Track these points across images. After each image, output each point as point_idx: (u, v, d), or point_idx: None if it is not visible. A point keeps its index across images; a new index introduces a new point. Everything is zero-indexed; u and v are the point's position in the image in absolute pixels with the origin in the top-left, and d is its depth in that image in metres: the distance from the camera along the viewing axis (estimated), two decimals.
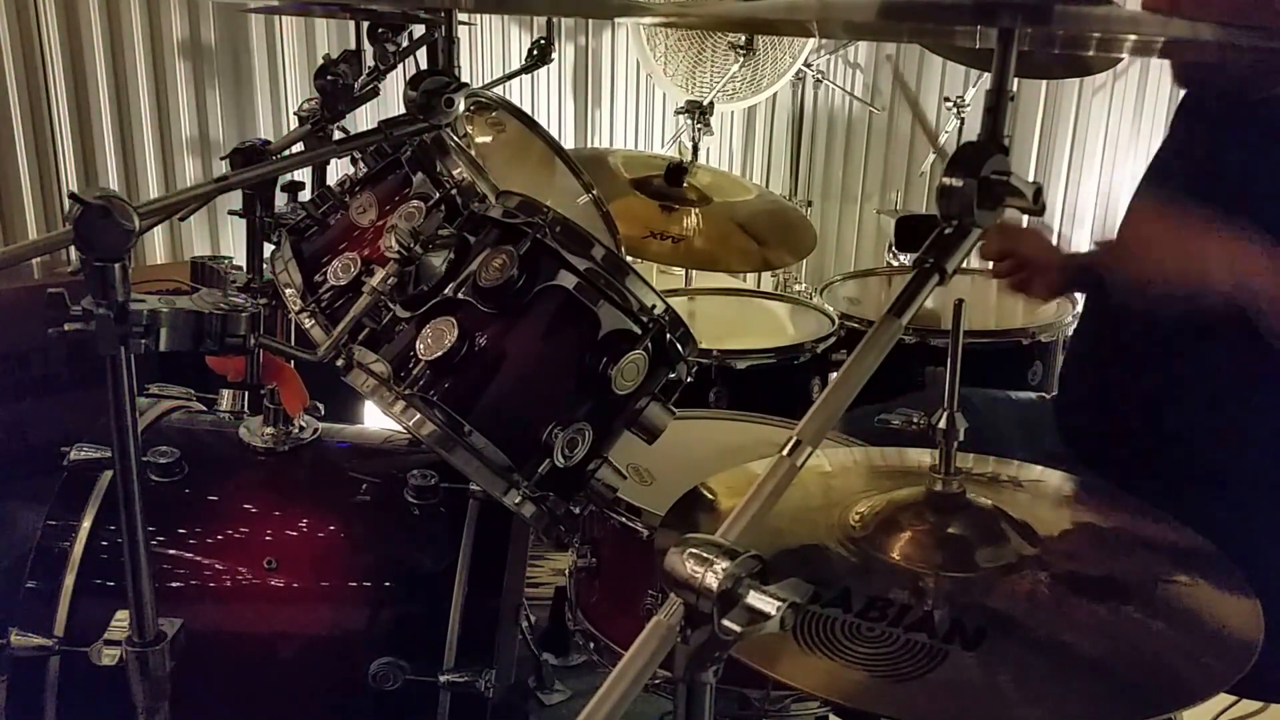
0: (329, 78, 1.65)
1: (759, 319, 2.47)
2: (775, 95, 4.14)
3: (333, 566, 1.47)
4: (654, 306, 1.29)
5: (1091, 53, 1.80)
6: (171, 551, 1.42)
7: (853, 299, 2.50)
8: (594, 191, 2.01)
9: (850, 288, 2.60)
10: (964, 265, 0.87)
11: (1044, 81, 3.51)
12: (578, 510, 1.31)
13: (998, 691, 0.91)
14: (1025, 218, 2.72)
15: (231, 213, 1.61)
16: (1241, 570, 1.07)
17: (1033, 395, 1.98)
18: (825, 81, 4.17)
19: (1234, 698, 1.55)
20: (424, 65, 1.79)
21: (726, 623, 0.67)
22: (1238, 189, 1.42)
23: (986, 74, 0.91)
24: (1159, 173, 1.64)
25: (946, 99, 3.57)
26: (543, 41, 2.47)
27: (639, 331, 1.28)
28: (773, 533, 1.14)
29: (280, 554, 1.43)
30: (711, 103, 2.99)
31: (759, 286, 3.74)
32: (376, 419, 1.85)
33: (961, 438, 1.16)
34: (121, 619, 1.07)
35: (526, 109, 2.33)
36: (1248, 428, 1.47)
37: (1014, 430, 1.78)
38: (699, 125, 2.95)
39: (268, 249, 1.57)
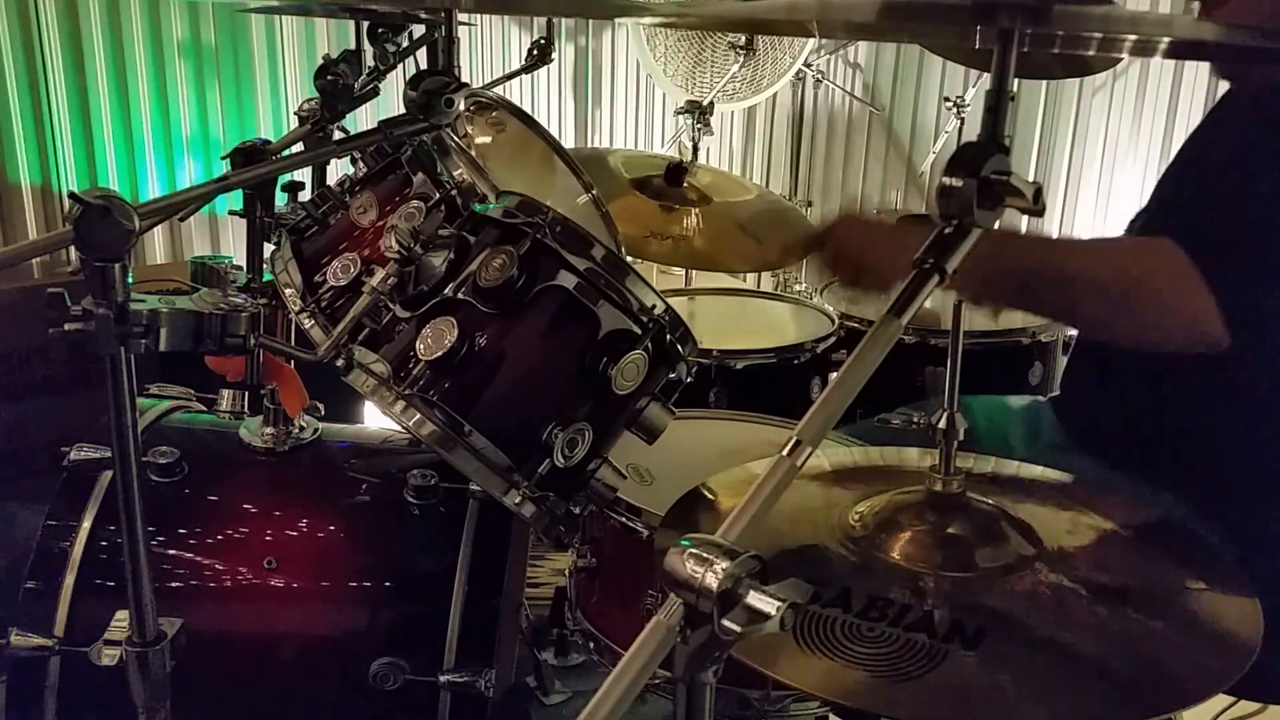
0: (329, 78, 1.64)
1: (759, 319, 2.47)
2: (775, 95, 4.14)
3: (333, 566, 1.47)
4: (654, 306, 1.28)
5: (1091, 53, 1.80)
6: (171, 551, 1.42)
7: (853, 299, 2.49)
8: (594, 191, 2.01)
9: None
10: None
11: (1044, 81, 3.51)
12: (578, 510, 1.31)
13: (998, 691, 0.91)
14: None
15: (232, 213, 1.61)
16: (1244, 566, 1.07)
17: (1028, 399, 1.98)
18: (825, 81, 4.17)
19: (1233, 698, 1.54)
20: (424, 65, 1.79)
21: (726, 623, 0.67)
22: (1239, 174, 1.41)
23: (986, 74, 0.91)
24: (1178, 160, 1.62)
25: (946, 99, 3.57)
26: (543, 41, 2.46)
27: (639, 331, 1.27)
28: (773, 533, 1.14)
29: (280, 554, 1.43)
30: (711, 103, 2.98)
31: (759, 286, 3.74)
32: (376, 419, 1.85)
33: (961, 437, 1.16)
34: (121, 619, 1.06)
35: (526, 109, 2.33)
36: (1251, 422, 1.46)
37: (1013, 432, 1.78)
38: (699, 125, 2.94)
39: (268, 249, 1.57)
